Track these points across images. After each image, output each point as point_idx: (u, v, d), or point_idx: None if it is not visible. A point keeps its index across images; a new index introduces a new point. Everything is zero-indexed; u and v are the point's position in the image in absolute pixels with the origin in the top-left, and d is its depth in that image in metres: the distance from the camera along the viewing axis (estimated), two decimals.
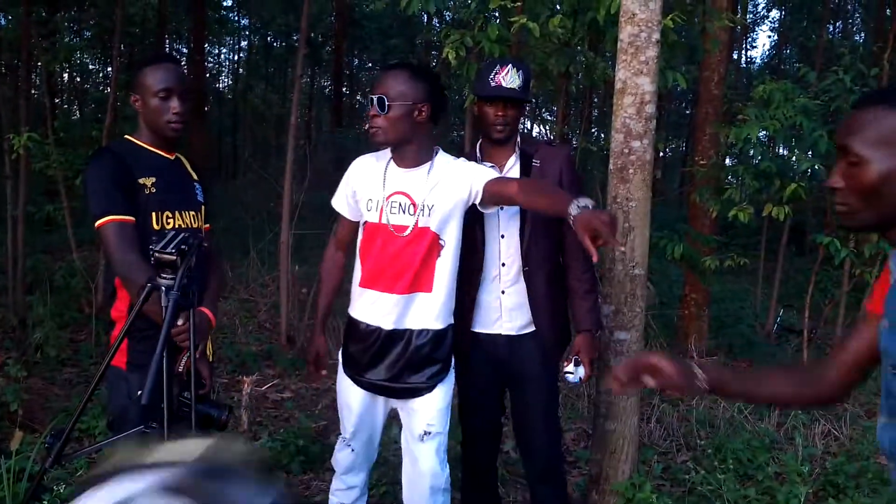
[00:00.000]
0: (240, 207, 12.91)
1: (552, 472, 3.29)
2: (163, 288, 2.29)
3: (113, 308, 2.81)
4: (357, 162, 3.10)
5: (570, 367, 3.15)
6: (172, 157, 2.92)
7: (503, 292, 3.19)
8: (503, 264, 3.17)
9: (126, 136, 2.89)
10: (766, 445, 4.95)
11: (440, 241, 2.95)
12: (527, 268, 3.15)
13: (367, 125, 2.91)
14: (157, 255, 2.28)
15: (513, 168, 3.18)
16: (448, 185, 2.94)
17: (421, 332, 2.98)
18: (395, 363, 2.99)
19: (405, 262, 2.92)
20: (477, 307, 3.21)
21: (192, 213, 2.92)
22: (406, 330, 2.98)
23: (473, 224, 3.12)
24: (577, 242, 2.86)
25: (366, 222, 3.00)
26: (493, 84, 3.06)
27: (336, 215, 3.19)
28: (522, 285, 3.17)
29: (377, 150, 3.07)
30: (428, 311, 2.98)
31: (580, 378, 3.15)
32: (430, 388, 3.02)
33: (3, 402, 4.62)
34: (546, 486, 3.30)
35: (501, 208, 3.12)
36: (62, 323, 6.85)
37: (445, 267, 2.98)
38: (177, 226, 2.83)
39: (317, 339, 3.26)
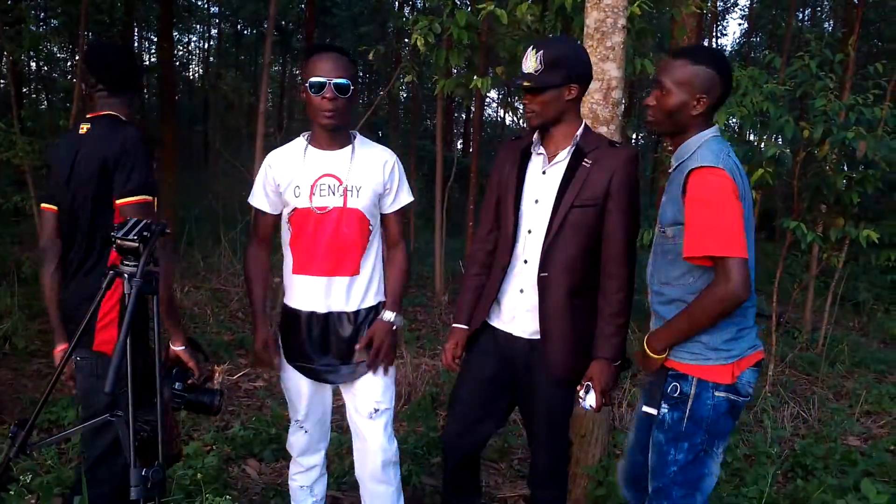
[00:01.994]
0: (211, 197, 12.84)
1: (553, 478, 3.16)
2: (125, 275, 2.27)
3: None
4: (271, 155, 3.09)
5: (581, 393, 2.84)
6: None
7: (521, 291, 2.98)
8: (525, 261, 2.96)
9: (122, 118, 2.89)
10: (735, 428, 5.00)
11: (370, 226, 3.03)
12: (544, 273, 2.88)
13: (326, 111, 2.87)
14: (118, 241, 2.26)
15: (562, 161, 2.90)
16: (371, 170, 3.01)
17: (355, 313, 3.05)
18: (335, 346, 3.05)
19: (335, 244, 2.97)
20: (497, 302, 3.07)
21: None
22: (341, 312, 3.03)
23: (508, 210, 2.99)
24: (615, 258, 2.85)
25: (294, 209, 2.99)
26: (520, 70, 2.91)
27: (254, 214, 3.16)
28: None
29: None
30: (358, 292, 3.05)
31: (590, 406, 2.82)
32: (369, 367, 3.07)
33: None
34: (546, 491, 3.18)
35: (536, 201, 2.95)
36: (31, 314, 6.78)
37: (371, 249, 3.07)
38: None
39: (261, 330, 3.10)
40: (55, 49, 17.70)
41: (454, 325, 3.21)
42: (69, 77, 16.86)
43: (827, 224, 6.23)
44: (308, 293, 3.02)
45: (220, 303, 8.05)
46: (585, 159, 2.85)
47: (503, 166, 3.06)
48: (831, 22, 24.41)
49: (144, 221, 2.31)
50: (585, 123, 2.95)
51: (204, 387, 2.83)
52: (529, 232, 2.95)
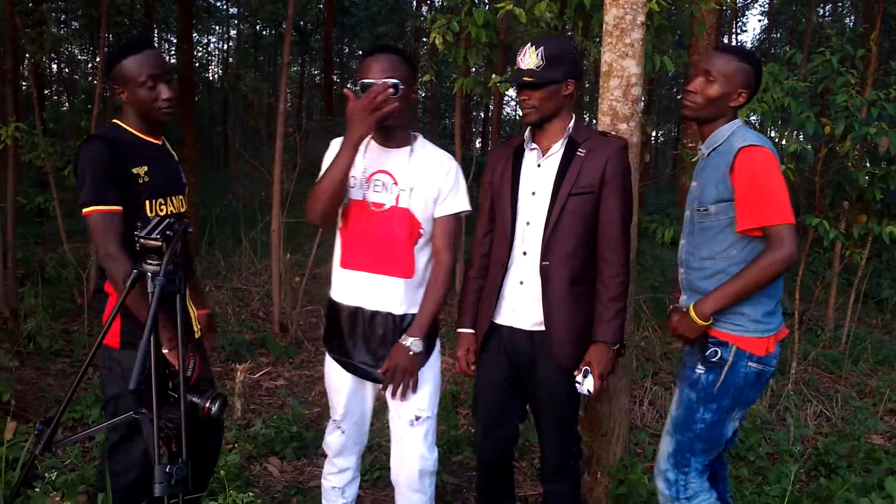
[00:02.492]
0: (231, 197, 12.91)
1: (563, 472, 3.19)
2: (149, 274, 2.28)
3: (106, 283, 2.81)
4: (336, 141, 3.06)
5: (580, 378, 2.93)
6: (160, 143, 2.94)
7: (521, 283, 3.05)
8: (524, 253, 3.03)
9: (115, 122, 2.88)
10: (757, 426, 4.98)
11: (420, 230, 2.97)
12: (546, 262, 2.96)
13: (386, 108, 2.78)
14: (142, 241, 2.28)
15: (556, 154, 2.99)
16: (427, 173, 2.97)
17: (401, 316, 3.00)
18: (379, 346, 3.00)
19: (384, 241, 2.94)
20: (500, 294, 3.11)
21: (179, 196, 2.97)
22: (388, 313, 2.98)
23: (506, 206, 3.06)
24: (611, 244, 2.95)
25: (348, 200, 2.98)
26: (515, 68, 2.95)
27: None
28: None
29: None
30: (408, 295, 3.00)
31: (588, 391, 2.90)
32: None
33: None
34: (557, 486, 3.22)
35: (533, 193, 3.02)
36: (54, 314, 6.86)
37: (424, 255, 3.02)
38: (168, 211, 2.87)
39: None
40: (76, 51, 17.87)
41: (460, 330, 3.25)
42: (90, 79, 17.00)
43: (849, 221, 6.18)
44: (355, 288, 2.99)
45: (241, 302, 8.10)
46: (579, 149, 2.96)
47: (495, 168, 3.15)
48: (852, 17, 24.22)
49: (168, 220, 2.32)
50: (575, 116, 3.06)
51: (201, 388, 2.67)
52: (528, 224, 3.02)
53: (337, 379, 3.12)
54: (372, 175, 2.96)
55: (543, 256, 2.97)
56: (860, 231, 5.87)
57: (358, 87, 2.85)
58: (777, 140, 6.23)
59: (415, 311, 3.02)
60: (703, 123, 2.87)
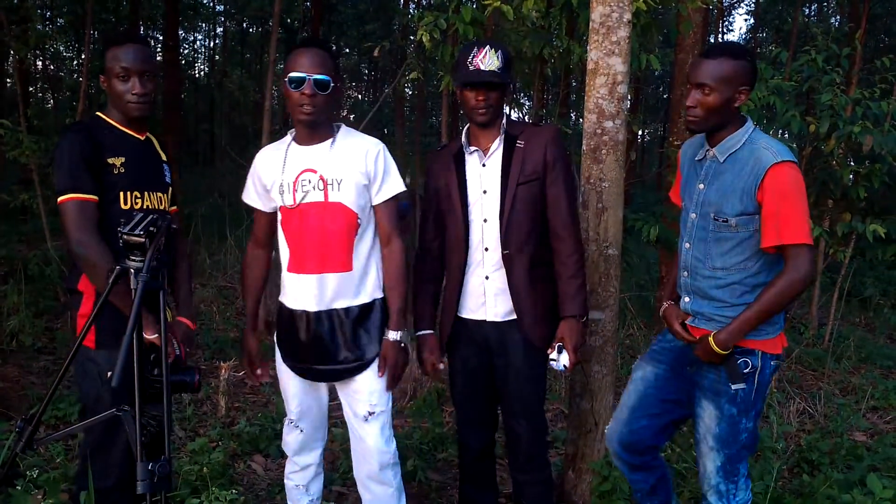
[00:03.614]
0: (217, 194, 12.87)
1: (534, 462, 3.26)
2: (132, 270, 2.27)
3: (79, 282, 2.78)
4: (259, 154, 3.10)
5: (554, 355, 3.05)
6: (143, 138, 2.92)
7: (487, 277, 3.14)
8: (486, 249, 3.13)
9: (98, 114, 2.88)
10: None
11: (357, 220, 2.97)
12: (506, 251, 3.08)
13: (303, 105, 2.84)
14: (125, 237, 2.26)
15: (497, 150, 3.11)
16: (353, 161, 2.96)
17: (346, 310, 3.00)
18: (327, 344, 3.00)
19: (322, 240, 2.93)
20: (463, 292, 3.20)
21: (159, 194, 2.93)
22: (331, 310, 2.99)
23: (456, 208, 3.14)
24: (563, 224, 3.07)
25: (282, 207, 2.98)
26: (471, 68, 2.98)
27: (253, 213, 3.16)
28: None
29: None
30: (349, 288, 2.99)
31: (564, 366, 3.02)
32: (365, 366, 3.03)
33: None
34: (527, 475, 3.28)
35: (485, 192, 3.11)
36: (37, 311, 6.80)
37: (364, 244, 3.02)
38: (145, 206, 2.84)
39: (248, 339, 3.21)
40: (61, 48, 17.77)
41: (420, 333, 3.30)
42: (75, 76, 16.91)
43: (833, 219, 6.21)
44: (300, 291, 2.98)
45: (226, 300, 8.07)
46: (518, 141, 3.10)
47: (438, 176, 3.23)
48: (838, 17, 24.33)
49: (151, 216, 2.31)
50: (506, 114, 3.20)
51: (181, 367, 2.78)
52: (485, 221, 3.13)
53: (288, 380, 3.12)
54: (298, 176, 2.94)
55: (504, 246, 3.08)
56: (844, 229, 5.91)
57: (286, 80, 2.83)
58: None
59: (362, 300, 3.02)
60: (712, 131, 2.82)
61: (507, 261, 3.09)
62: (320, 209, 2.92)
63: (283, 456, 4.35)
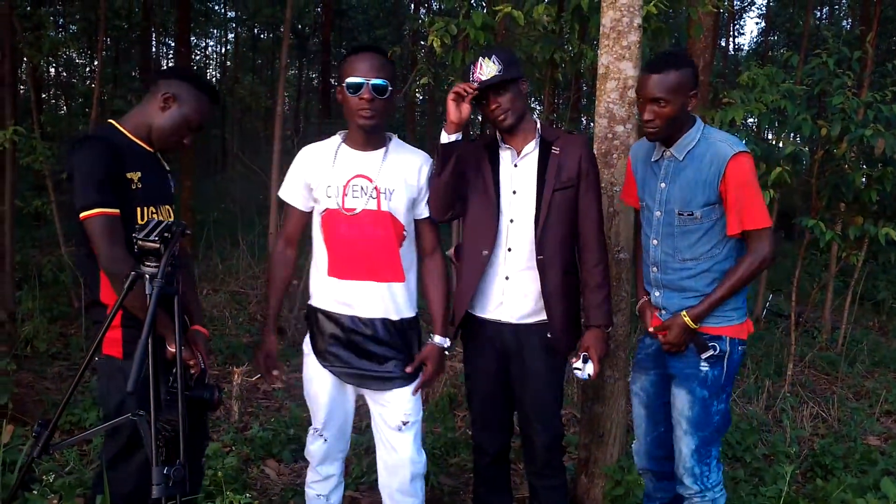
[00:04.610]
0: (229, 200, 12.91)
1: (550, 466, 3.27)
2: (147, 276, 2.29)
3: (101, 293, 2.74)
4: (305, 150, 3.08)
5: (579, 364, 3.08)
6: (152, 151, 2.90)
7: (507, 278, 3.12)
8: (510, 249, 3.11)
9: (111, 122, 2.83)
10: (754, 428, 4.99)
11: (404, 232, 2.99)
12: (541, 256, 3.06)
13: (363, 111, 2.84)
14: (140, 242, 2.28)
15: (532, 153, 3.10)
16: (405, 174, 2.99)
17: (399, 321, 3.01)
18: (377, 352, 3.00)
19: (371, 248, 2.93)
20: (478, 291, 3.18)
21: (167, 207, 2.90)
22: (384, 318, 2.99)
23: (491, 203, 3.11)
24: (592, 233, 3.09)
25: (326, 209, 2.97)
26: (474, 83, 2.98)
27: (285, 209, 3.14)
28: (531, 273, 3.09)
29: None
30: (402, 300, 3.01)
31: (588, 375, 3.07)
32: (408, 379, 3.04)
33: None
34: (543, 480, 3.29)
35: (514, 192, 3.10)
36: (52, 317, 6.85)
37: (410, 257, 3.04)
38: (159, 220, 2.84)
39: (268, 339, 3.17)
40: (74, 55, 17.87)
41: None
42: (88, 82, 17.00)
43: (846, 222, 6.18)
44: (348, 297, 2.97)
45: (239, 305, 8.10)
46: (553, 147, 3.09)
47: (466, 159, 3.13)
48: (849, 20, 24.24)
49: (165, 222, 2.33)
50: (539, 120, 3.20)
51: (202, 383, 2.80)
52: (511, 221, 3.11)
53: (318, 387, 3.09)
54: (349, 181, 2.94)
55: (538, 251, 3.06)
56: (856, 233, 5.87)
57: (344, 85, 2.84)
58: (773, 142, 6.24)
59: (409, 314, 3.05)
60: (672, 136, 2.96)
61: (542, 266, 3.07)
62: (371, 217, 2.92)
63: (296, 460, 4.39)
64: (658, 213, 3.00)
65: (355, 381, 3.06)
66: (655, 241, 3.03)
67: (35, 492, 2.83)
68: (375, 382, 3.03)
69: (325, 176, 2.96)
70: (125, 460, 2.74)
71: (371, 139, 2.97)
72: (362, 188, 2.93)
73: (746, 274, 2.88)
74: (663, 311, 3.07)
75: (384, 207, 2.93)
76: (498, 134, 3.17)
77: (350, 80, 2.82)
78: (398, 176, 2.96)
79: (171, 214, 2.96)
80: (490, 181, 3.12)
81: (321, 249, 3.02)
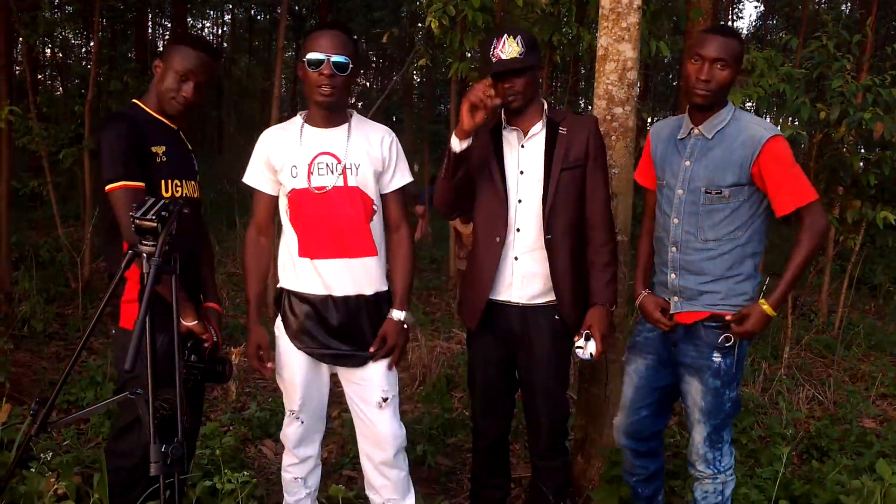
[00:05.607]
0: (226, 181, 12.89)
1: (554, 448, 3.27)
2: (144, 254, 2.29)
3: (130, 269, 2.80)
4: (266, 133, 3.04)
5: (581, 342, 3.04)
6: (175, 128, 2.95)
7: (516, 258, 3.10)
8: (518, 230, 3.09)
9: (135, 101, 2.92)
10: (750, 410, 5.01)
11: (373, 206, 2.97)
12: (549, 236, 3.05)
13: (324, 86, 2.81)
14: (137, 221, 2.28)
15: (539, 134, 3.08)
16: (370, 148, 2.97)
17: (374, 296, 3.00)
18: (355, 329, 2.99)
19: (341, 225, 2.91)
20: (494, 273, 3.14)
21: (192, 182, 2.98)
22: (358, 295, 2.97)
23: (497, 185, 3.10)
24: (599, 213, 3.07)
25: (292, 190, 2.93)
26: (493, 60, 2.97)
27: (253, 196, 3.09)
28: (540, 253, 3.07)
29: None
30: (375, 273, 3.00)
31: (591, 354, 3.02)
32: (385, 355, 3.04)
33: None
34: (548, 462, 3.29)
35: (522, 173, 3.08)
36: (48, 298, 6.85)
37: (381, 230, 3.02)
38: (184, 194, 2.89)
39: (256, 330, 3.06)
40: (70, 35, 17.79)
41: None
42: (84, 63, 16.94)
43: (843, 206, 6.18)
44: (321, 276, 2.94)
45: (237, 286, 8.10)
46: (560, 128, 3.07)
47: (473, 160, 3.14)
48: (849, 4, 24.19)
49: (163, 201, 2.32)
50: (546, 100, 3.17)
51: (214, 356, 2.85)
52: (520, 202, 3.09)
53: (292, 370, 3.05)
54: (314, 159, 2.91)
55: (546, 231, 3.04)
56: (854, 216, 5.89)
57: (304, 62, 2.81)
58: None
59: (384, 288, 3.04)
60: (710, 108, 2.91)
61: (550, 246, 3.06)
62: (339, 194, 2.90)
63: None
64: (680, 192, 2.97)
65: (330, 361, 3.05)
66: (676, 220, 2.99)
67: (33, 469, 2.84)
68: (351, 360, 3.02)
69: (289, 156, 2.93)
70: (133, 433, 2.76)
71: (333, 116, 2.94)
72: (328, 165, 2.91)
73: (811, 247, 2.84)
74: (676, 299, 3.03)
75: (351, 183, 2.91)
76: (503, 116, 3.16)
77: (311, 55, 2.80)
78: (362, 150, 2.94)
79: (196, 191, 3.01)
80: (496, 167, 3.10)
81: (290, 231, 2.99)
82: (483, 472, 3.47)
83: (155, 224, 2.27)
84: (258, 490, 3.66)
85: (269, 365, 3.06)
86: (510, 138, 3.12)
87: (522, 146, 3.09)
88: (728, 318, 2.92)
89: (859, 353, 6.97)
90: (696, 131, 2.95)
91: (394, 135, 3.06)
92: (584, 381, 3.83)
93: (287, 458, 3.23)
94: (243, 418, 4.63)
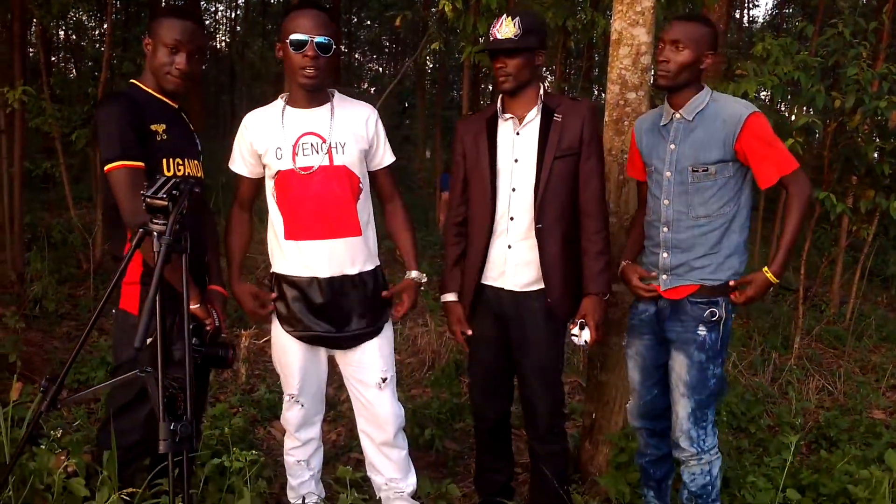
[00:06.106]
0: None
1: (552, 433, 3.27)
2: (155, 233, 2.28)
3: (126, 249, 2.78)
4: (248, 118, 3.02)
5: (576, 330, 3.08)
6: (176, 107, 2.93)
7: (509, 247, 3.12)
8: (511, 218, 3.10)
9: (133, 81, 2.88)
10: (759, 399, 5.00)
11: (360, 185, 2.96)
12: (539, 224, 3.06)
13: (307, 68, 2.79)
14: (147, 200, 2.27)
15: (534, 120, 3.08)
16: (354, 126, 2.96)
17: (359, 275, 2.99)
18: (342, 310, 2.98)
19: (327, 204, 2.89)
20: (484, 260, 3.18)
21: (195, 161, 2.95)
22: (344, 276, 2.96)
23: (485, 174, 3.11)
24: (593, 201, 3.08)
25: (277, 172, 2.91)
26: (490, 39, 3.00)
27: (237, 179, 3.10)
28: (532, 241, 3.09)
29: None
30: (360, 253, 2.99)
31: (585, 341, 3.07)
32: (377, 332, 3.05)
33: (3, 353, 4.65)
34: (546, 446, 3.30)
35: (516, 160, 3.08)
36: (60, 278, 6.88)
37: (367, 210, 3.01)
38: (186, 173, 2.85)
39: (241, 286, 3.09)
40: (83, 17, 17.80)
41: (445, 297, 3.31)
42: (97, 45, 16.95)
43: (857, 195, 6.15)
44: (306, 258, 2.93)
45: (246, 269, 8.09)
46: (555, 115, 3.07)
47: (466, 140, 3.22)
48: None
49: (173, 180, 2.32)
50: (543, 86, 3.16)
51: (216, 341, 2.84)
52: (514, 190, 3.10)
53: (290, 354, 3.05)
54: (298, 139, 2.89)
55: (537, 219, 3.06)
56: (867, 206, 5.85)
57: (287, 42, 2.78)
58: (786, 113, 6.20)
59: (369, 267, 3.03)
60: (675, 91, 2.99)
61: (540, 234, 3.07)
62: (325, 173, 2.88)
63: None
64: (668, 174, 3.01)
65: (324, 344, 3.05)
66: (667, 202, 3.02)
67: (42, 446, 2.85)
68: (345, 341, 3.02)
69: (272, 138, 2.91)
70: (132, 411, 2.77)
71: (315, 96, 2.92)
72: (312, 145, 2.89)
73: (801, 213, 2.91)
74: (665, 277, 3.06)
75: (337, 162, 2.89)
76: (500, 104, 3.16)
77: (294, 36, 2.77)
78: (347, 129, 2.92)
79: (200, 170, 2.98)
80: (486, 154, 3.12)
81: (276, 214, 2.98)
82: (485, 456, 3.50)
83: (166, 202, 2.27)
84: (266, 470, 3.68)
85: (272, 296, 3.05)
86: (505, 126, 3.13)
87: (517, 133, 3.10)
88: (731, 283, 2.98)
89: (870, 344, 6.94)
90: (677, 115, 3.00)
91: (376, 112, 3.06)
92: (593, 369, 3.83)
93: (289, 442, 3.25)
94: (252, 400, 4.64)
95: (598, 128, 3.16)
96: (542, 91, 3.12)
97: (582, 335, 3.07)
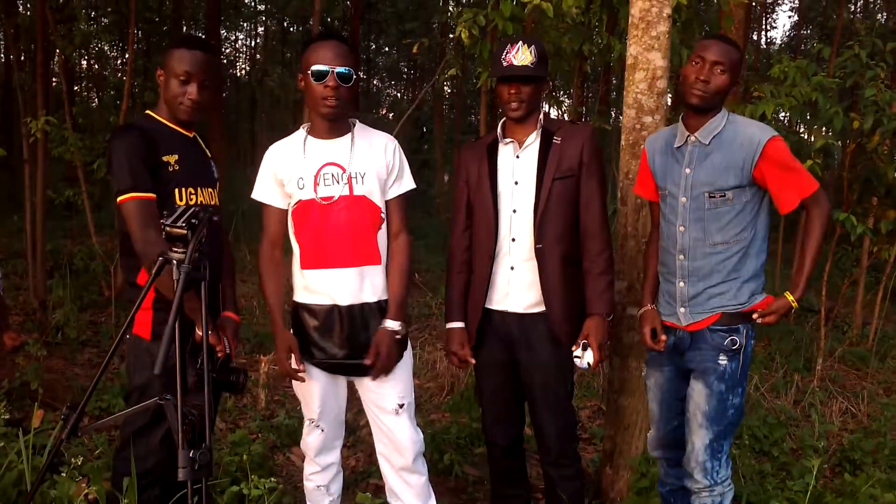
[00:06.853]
0: None
1: (565, 456, 3.26)
2: (174, 261, 2.31)
3: (139, 276, 2.83)
4: (272, 148, 3.05)
5: (578, 352, 3.05)
6: (191, 136, 2.96)
7: (512, 268, 3.13)
8: (513, 239, 3.12)
9: (147, 112, 2.93)
10: (782, 422, 4.95)
11: (381, 214, 2.97)
12: (539, 245, 3.07)
13: (329, 99, 2.82)
14: (167, 228, 2.30)
15: (533, 144, 3.11)
16: (374, 156, 2.97)
17: (378, 303, 2.98)
18: (357, 339, 2.97)
19: (348, 233, 2.90)
20: (489, 284, 3.18)
21: (210, 189, 2.98)
22: (363, 304, 2.96)
23: (486, 198, 3.14)
24: (595, 222, 3.08)
25: (298, 202, 2.93)
26: (504, 64, 3.01)
27: (264, 211, 3.07)
28: (534, 263, 3.09)
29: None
30: (379, 282, 2.98)
31: (588, 363, 3.03)
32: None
33: (25, 381, 4.69)
34: (559, 470, 3.28)
35: (516, 183, 3.11)
36: (82, 305, 6.94)
37: (384, 238, 3.01)
38: (199, 202, 2.88)
39: (283, 334, 3.00)
40: (105, 47, 18.04)
41: (450, 325, 3.28)
42: (119, 75, 17.18)
43: (878, 216, 6.11)
44: (326, 286, 2.93)
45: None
46: (555, 137, 3.10)
47: (470, 167, 3.24)
48: (884, 13, 23.92)
49: (193, 209, 2.34)
50: (543, 110, 3.22)
51: (229, 367, 2.85)
52: (515, 212, 3.13)
53: (309, 380, 3.05)
54: (320, 170, 2.92)
55: (537, 240, 3.08)
56: (888, 227, 5.81)
57: (308, 73, 2.82)
58: (805, 135, 6.18)
59: (386, 296, 3.01)
60: (700, 112, 2.92)
61: (540, 255, 3.08)
62: (346, 203, 2.90)
63: None
64: (683, 199, 2.97)
65: (343, 372, 3.05)
66: (682, 228, 2.98)
67: (63, 474, 2.87)
68: (361, 370, 3.00)
69: (295, 168, 2.93)
70: (146, 436, 2.78)
71: (336, 126, 2.95)
72: (333, 175, 2.91)
73: (822, 233, 2.88)
74: (683, 311, 3.00)
75: (357, 192, 2.91)
76: (500, 129, 3.20)
77: (315, 67, 2.80)
78: (366, 159, 2.95)
79: (214, 197, 3.00)
80: (487, 179, 3.15)
81: (294, 244, 3.00)
82: (499, 482, 3.48)
83: (185, 231, 2.29)
84: (286, 498, 3.68)
85: (301, 367, 3.01)
86: (506, 151, 3.17)
87: (517, 157, 3.13)
88: (755, 316, 2.92)
89: (894, 365, 6.87)
90: (692, 138, 2.96)
91: (396, 141, 3.07)
92: (612, 392, 3.81)
93: (309, 467, 3.24)
94: (272, 426, 4.65)
95: (598, 150, 3.17)
96: (541, 115, 3.16)
97: (585, 357, 3.03)
